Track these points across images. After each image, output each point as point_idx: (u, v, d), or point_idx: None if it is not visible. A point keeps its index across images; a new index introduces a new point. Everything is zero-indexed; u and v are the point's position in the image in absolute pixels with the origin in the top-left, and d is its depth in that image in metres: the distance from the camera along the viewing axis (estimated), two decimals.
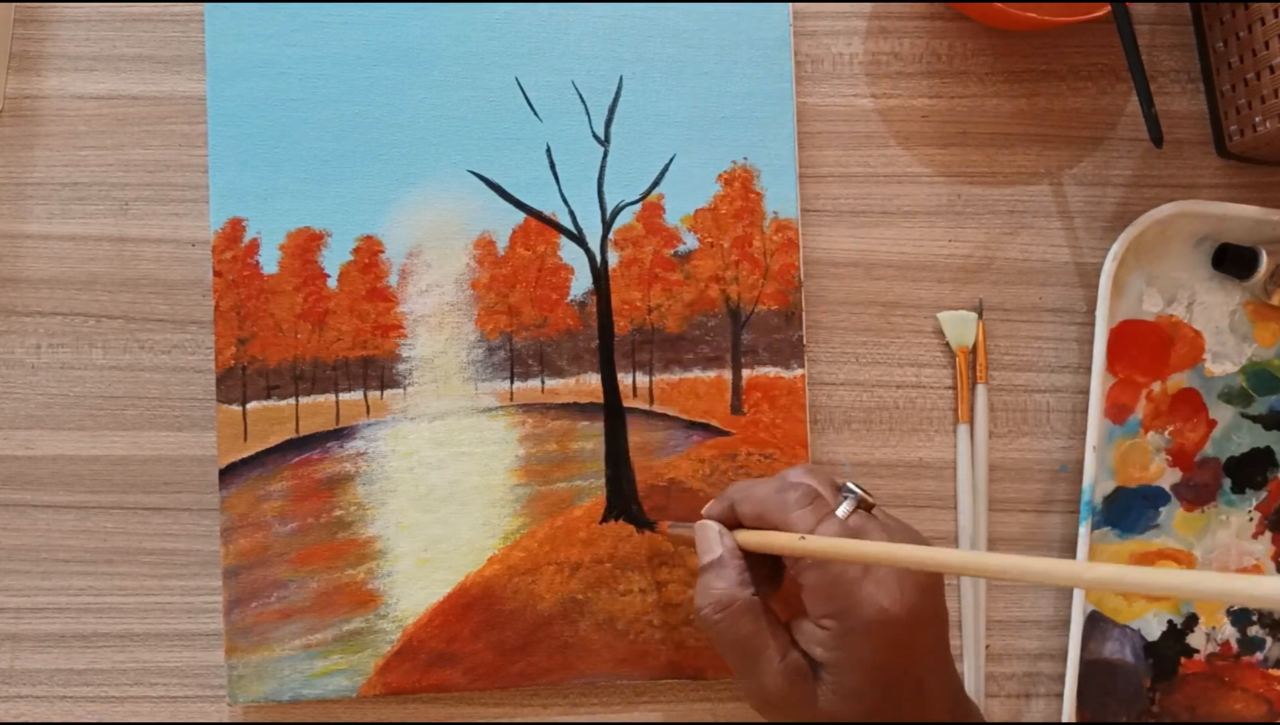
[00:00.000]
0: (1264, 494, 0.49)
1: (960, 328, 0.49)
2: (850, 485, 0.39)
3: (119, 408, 0.48)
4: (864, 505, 0.39)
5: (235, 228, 0.47)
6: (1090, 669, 0.48)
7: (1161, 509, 0.49)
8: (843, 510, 0.38)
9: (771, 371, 0.48)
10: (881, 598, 0.36)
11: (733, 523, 0.41)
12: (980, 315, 0.49)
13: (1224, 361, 0.49)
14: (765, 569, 0.40)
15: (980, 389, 0.49)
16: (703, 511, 0.42)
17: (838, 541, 0.36)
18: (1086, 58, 0.50)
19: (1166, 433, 0.49)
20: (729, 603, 0.39)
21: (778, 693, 0.38)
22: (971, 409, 0.49)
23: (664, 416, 0.48)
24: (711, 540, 0.40)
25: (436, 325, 0.47)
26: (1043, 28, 0.48)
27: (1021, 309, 0.50)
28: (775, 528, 0.38)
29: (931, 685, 0.38)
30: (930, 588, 0.38)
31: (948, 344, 0.49)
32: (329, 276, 0.47)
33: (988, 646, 0.48)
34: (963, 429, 0.49)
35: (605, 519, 0.47)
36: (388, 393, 0.47)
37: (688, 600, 0.47)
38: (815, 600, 0.37)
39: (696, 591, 0.40)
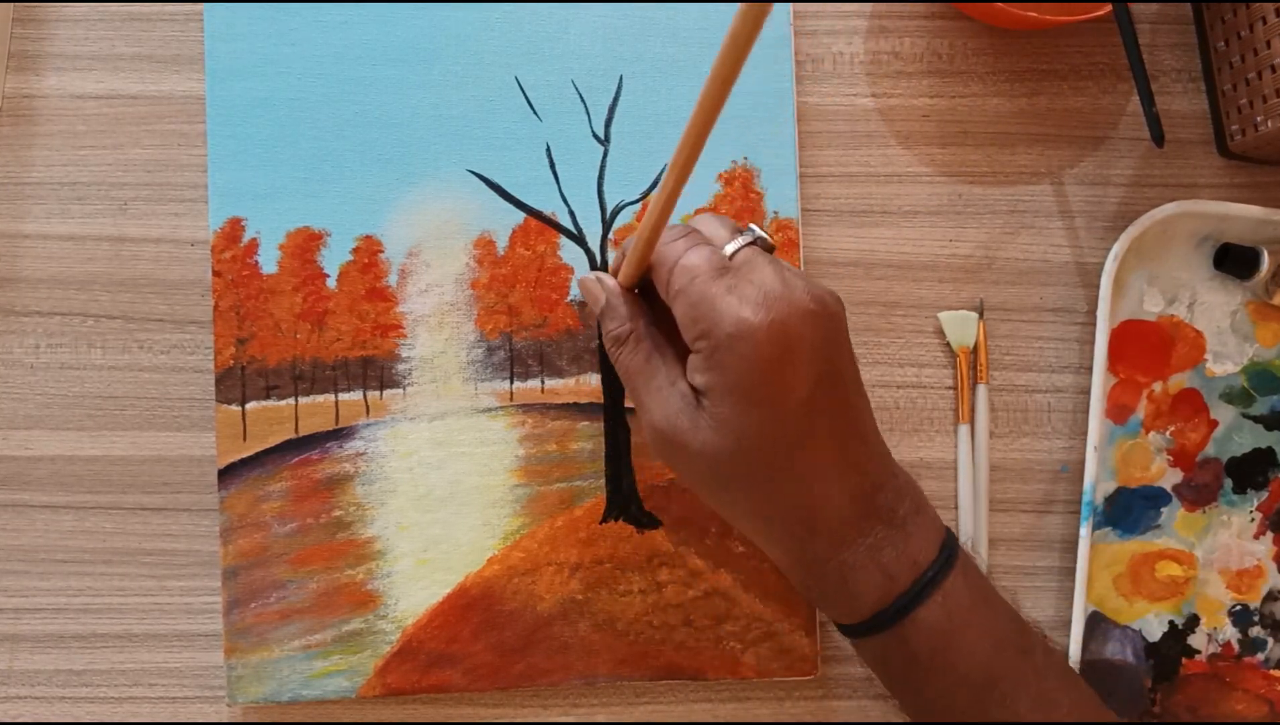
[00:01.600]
0: (1265, 494, 0.49)
1: (961, 328, 0.49)
2: (751, 226, 0.38)
3: (118, 408, 0.48)
4: (762, 246, 0.37)
5: (234, 227, 0.47)
6: (1091, 669, 0.48)
7: (1163, 509, 0.49)
8: (732, 245, 0.37)
9: None
10: (743, 309, 0.34)
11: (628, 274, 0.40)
12: (981, 315, 0.49)
13: (1225, 362, 0.49)
14: (661, 310, 0.39)
15: (981, 389, 0.49)
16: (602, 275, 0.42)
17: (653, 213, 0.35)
18: (1087, 57, 0.50)
19: (1168, 433, 0.49)
20: (622, 337, 0.39)
21: (665, 422, 0.37)
22: (972, 409, 0.49)
23: None
24: (593, 288, 0.41)
25: (436, 325, 0.47)
26: (1044, 27, 0.48)
27: (1022, 309, 0.49)
28: (656, 271, 0.38)
29: (825, 437, 0.36)
30: (806, 318, 0.35)
31: (948, 344, 0.49)
32: (328, 276, 0.47)
33: None
34: (963, 429, 0.49)
35: (605, 519, 0.47)
36: (387, 393, 0.47)
37: (688, 601, 0.47)
38: (686, 325, 0.36)
39: (602, 342, 0.40)
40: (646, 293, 0.41)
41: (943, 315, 0.49)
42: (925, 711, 0.39)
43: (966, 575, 0.38)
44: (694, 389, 0.37)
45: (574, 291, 0.48)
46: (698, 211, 0.48)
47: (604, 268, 0.48)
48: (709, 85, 0.32)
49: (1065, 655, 0.47)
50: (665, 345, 0.39)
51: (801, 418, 0.36)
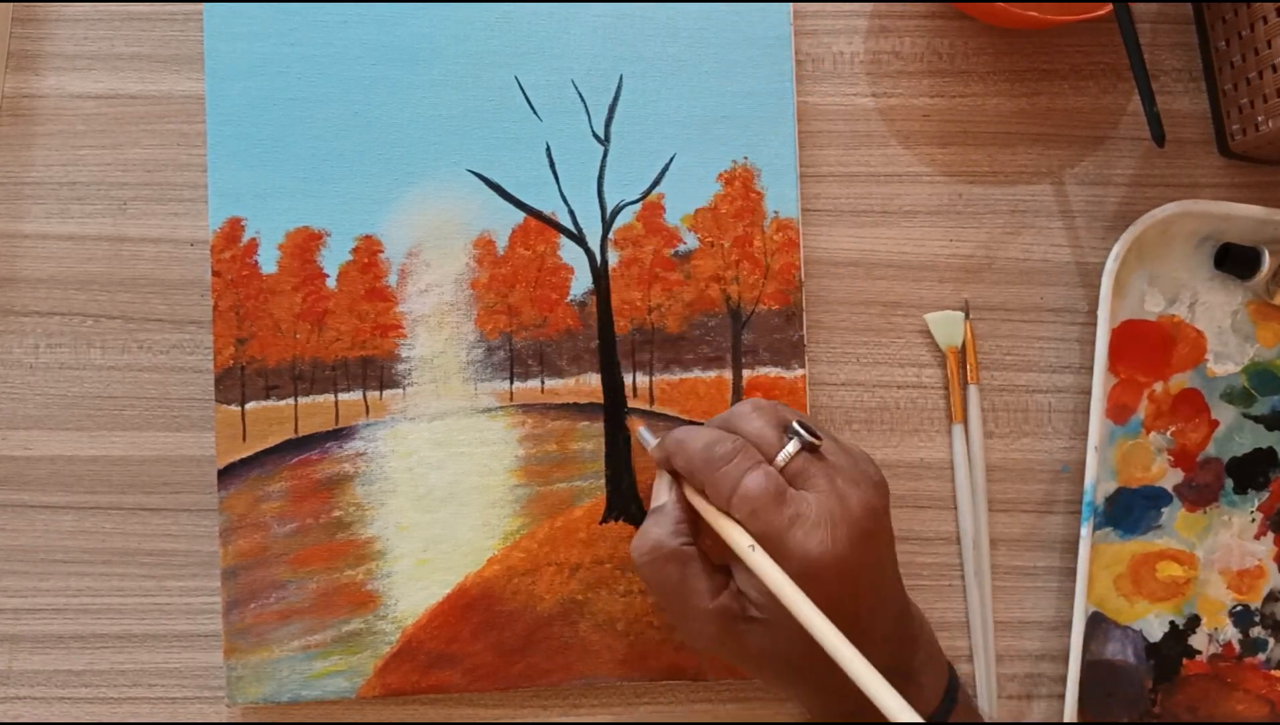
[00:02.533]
0: (1266, 494, 0.49)
1: (948, 328, 0.49)
2: (795, 425, 0.38)
3: (117, 408, 0.48)
4: (808, 447, 0.38)
5: (234, 227, 0.47)
6: (1092, 670, 0.48)
7: (1163, 509, 0.49)
8: (783, 456, 0.38)
9: (772, 372, 0.47)
10: (810, 545, 0.36)
11: (670, 466, 0.41)
12: (967, 315, 0.49)
13: (1226, 362, 0.49)
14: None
15: (973, 390, 0.49)
16: (650, 449, 0.42)
17: (770, 573, 0.36)
18: (1088, 57, 0.50)
19: (1168, 433, 0.49)
20: (656, 550, 0.39)
21: (707, 635, 0.39)
22: (965, 409, 0.49)
23: (664, 417, 0.47)
24: (661, 489, 0.41)
25: (436, 325, 0.47)
26: (1044, 26, 0.48)
27: (1023, 309, 0.49)
28: (703, 487, 0.38)
29: (873, 632, 0.38)
30: (862, 538, 0.37)
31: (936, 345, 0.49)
32: (328, 276, 0.47)
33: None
34: (957, 429, 0.49)
35: (605, 519, 0.47)
36: (387, 393, 0.47)
37: None
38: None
39: (636, 540, 0.40)
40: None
41: (929, 316, 0.49)
42: None
43: (966, 714, 0.40)
44: (742, 599, 0.38)
45: (574, 291, 0.48)
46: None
47: (605, 267, 0.48)
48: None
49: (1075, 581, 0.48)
50: (707, 561, 0.39)
51: (854, 614, 0.37)
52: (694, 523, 0.40)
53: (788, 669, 0.39)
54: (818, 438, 0.39)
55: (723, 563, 0.40)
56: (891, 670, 0.38)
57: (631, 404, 0.47)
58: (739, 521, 0.37)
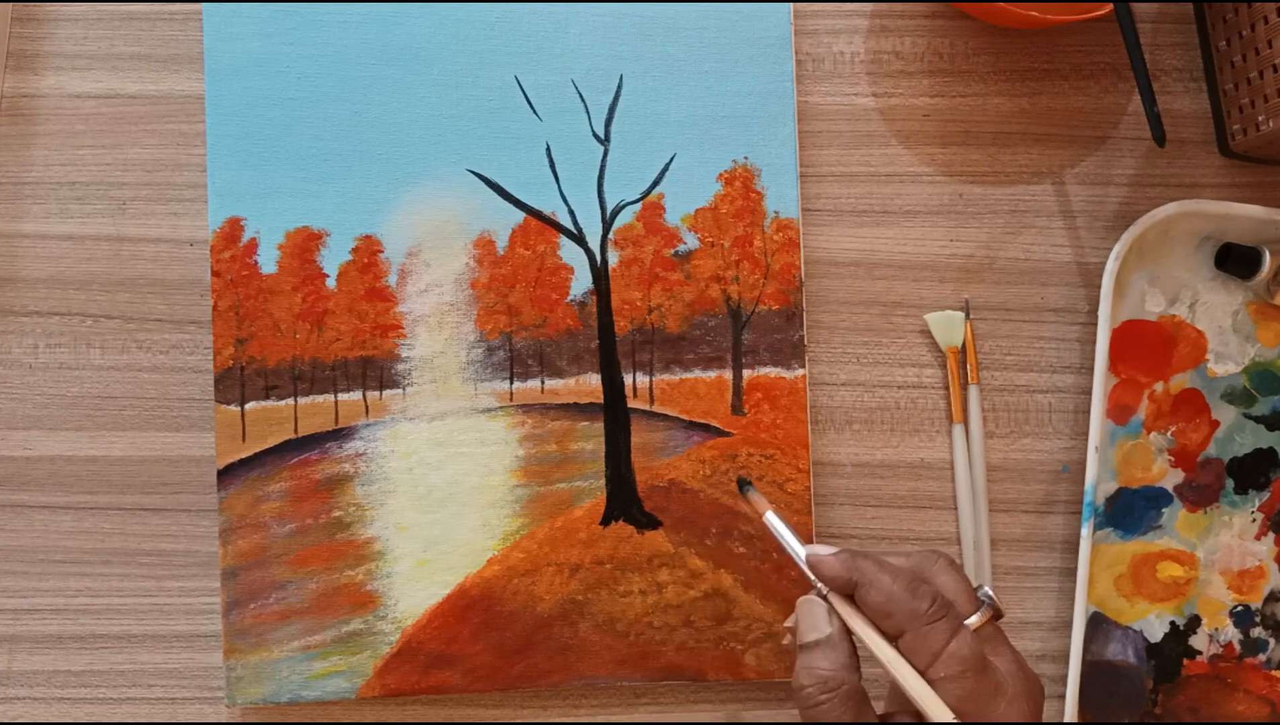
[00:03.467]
0: (1267, 495, 0.49)
1: (947, 328, 0.49)
2: (987, 590, 0.38)
3: (117, 408, 0.48)
4: (996, 615, 0.38)
5: (233, 227, 0.47)
6: (1093, 670, 0.48)
7: (1164, 510, 0.49)
8: (974, 620, 0.37)
9: (772, 371, 0.47)
10: (1012, 716, 0.36)
11: (847, 590, 0.38)
12: (968, 315, 0.49)
13: (1227, 362, 0.49)
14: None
15: (973, 390, 0.49)
16: (812, 564, 0.39)
17: None
18: (1088, 56, 0.50)
19: (1169, 433, 0.49)
20: (836, 686, 0.37)
21: None
22: (965, 410, 0.49)
23: (664, 417, 0.47)
24: (819, 618, 0.38)
25: (436, 325, 0.47)
26: (1045, 26, 0.48)
27: (1023, 309, 0.49)
28: (900, 630, 0.37)
29: None
30: (1041, 703, 0.37)
31: (937, 345, 0.49)
32: (328, 276, 0.47)
33: None
34: (957, 429, 0.49)
35: (605, 520, 0.47)
36: (387, 393, 0.47)
37: (689, 602, 0.47)
38: (958, 711, 0.36)
39: (797, 669, 0.38)
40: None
41: (929, 316, 0.49)
42: None
43: None
44: None
45: (574, 291, 0.48)
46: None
47: (605, 267, 0.48)
48: None
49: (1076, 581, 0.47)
50: (869, 704, 0.38)
51: None
52: (858, 664, 0.38)
53: None
54: (1003, 610, 0.38)
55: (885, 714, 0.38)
56: None
57: (632, 404, 0.47)
58: (944, 681, 0.36)
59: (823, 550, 0.40)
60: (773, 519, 0.41)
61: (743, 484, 0.44)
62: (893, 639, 0.37)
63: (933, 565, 0.39)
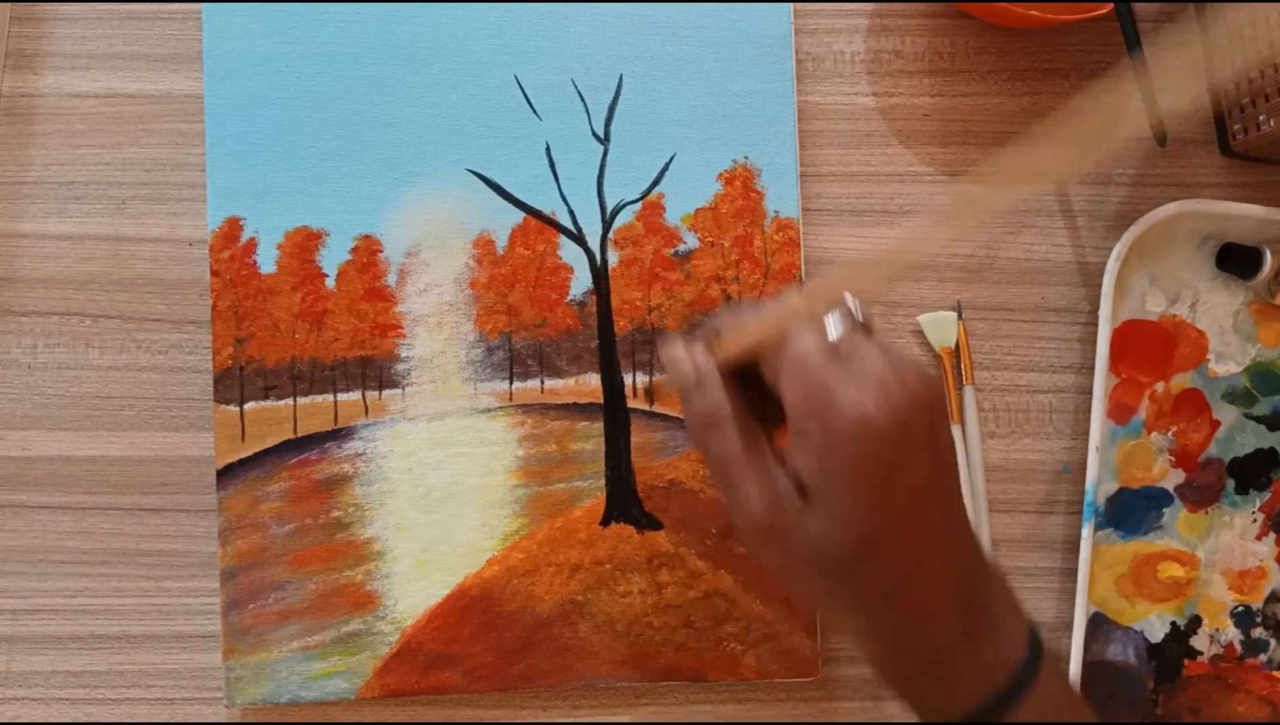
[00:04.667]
0: (1267, 495, 0.49)
1: (940, 329, 0.49)
2: (849, 300, 0.36)
3: (116, 408, 0.48)
4: (861, 325, 0.36)
5: (233, 227, 0.47)
6: (1093, 671, 0.48)
7: (1165, 510, 0.48)
8: (833, 330, 0.35)
9: None
10: (864, 403, 0.33)
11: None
12: (960, 316, 0.49)
13: (1228, 362, 0.49)
14: (754, 395, 0.37)
15: (969, 391, 0.49)
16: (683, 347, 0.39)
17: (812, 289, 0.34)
18: (1089, 56, 0.50)
19: (1170, 433, 0.49)
20: (714, 416, 0.36)
21: (765, 515, 0.35)
22: (961, 410, 0.49)
23: (664, 417, 0.47)
24: (680, 361, 0.38)
25: (435, 325, 0.47)
26: (1045, 25, 0.48)
27: (1024, 309, 0.49)
28: (754, 353, 0.36)
29: (928, 519, 0.35)
30: (922, 414, 0.34)
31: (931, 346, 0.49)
32: (327, 276, 0.47)
33: None
34: (955, 430, 0.48)
35: (605, 520, 0.47)
36: (386, 393, 0.47)
37: (689, 602, 0.47)
38: (798, 410, 0.34)
39: (685, 420, 0.37)
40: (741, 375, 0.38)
41: (922, 317, 0.49)
42: None
43: (1056, 672, 0.37)
44: (796, 477, 0.35)
45: (574, 291, 0.47)
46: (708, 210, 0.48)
47: (605, 267, 0.48)
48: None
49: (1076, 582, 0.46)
50: (760, 432, 0.37)
51: (909, 506, 0.35)
52: (741, 397, 0.37)
53: (835, 557, 0.35)
54: (871, 323, 0.36)
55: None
56: (969, 601, 0.36)
57: (631, 404, 0.47)
58: (785, 390, 0.35)
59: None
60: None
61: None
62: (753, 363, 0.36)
63: (789, 295, 0.38)
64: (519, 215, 0.48)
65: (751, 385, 0.37)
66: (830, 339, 0.35)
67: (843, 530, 0.34)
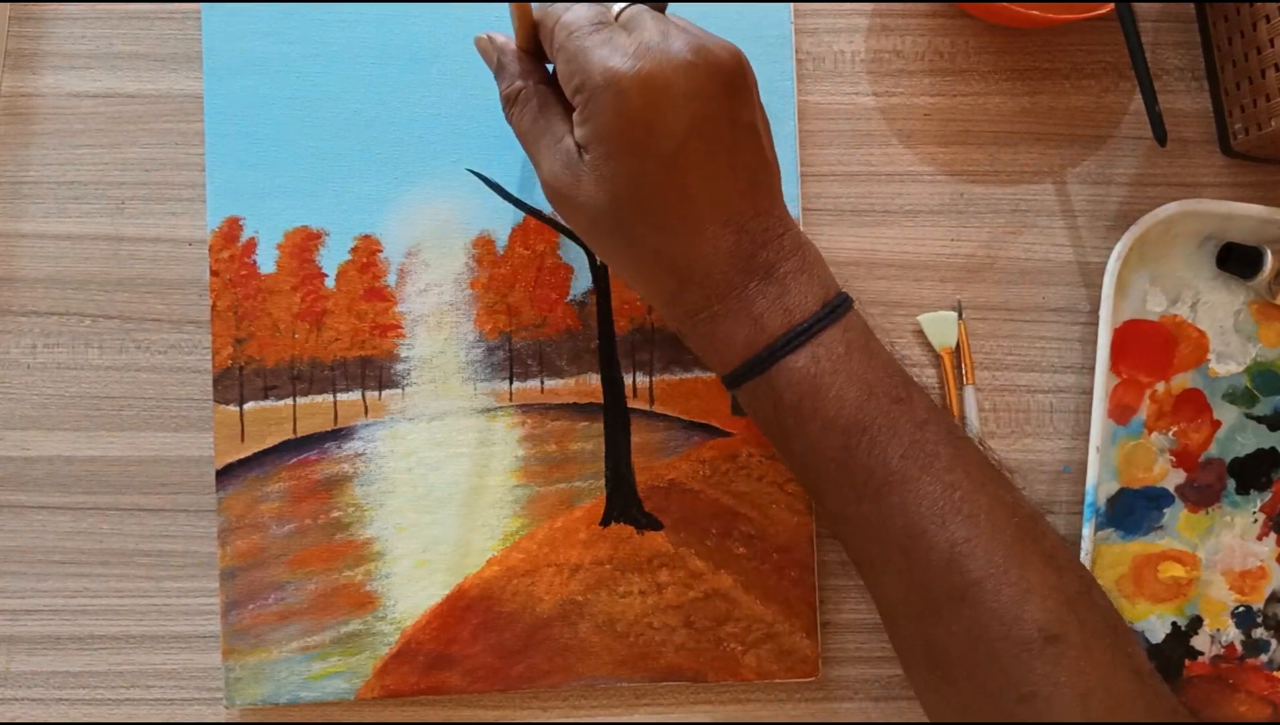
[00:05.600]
0: (1268, 495, 0.49)
1: (941, 329, 0.49)
2: None
3: (115, 408, 0.48)
4: (653, 5, 0.38)
5: (232, 227, 0.47)
6: None
7: (1165, 510, 0.48)
8: (619, 5, 0.37)
9: None
10: (612, 59, 0.35)
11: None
12: (960, 316, 0.49)
13: (1228, 362, 0.49)
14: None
15: (969, 391, 0.49)
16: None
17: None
18: (1090, 55, 0.50)
19: (1170, 433, 0.49)
20: (514, 94, 0.40)
21: (553, 176, 0.38)
22: (961, 411, 0.49)
23: (664, 417, 0.47)
24: (485, 48, 0.41)
25: (435, 325, 0.47)
26: (1046, 25, 0.48)
27: (1024, 309, 0.49)
28: (540, 28, 0.39)
29: (709, 199, 0.37)
30: (680, 73, 0.36)
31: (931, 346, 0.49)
32: (327, 276, 0.47)
33: None
34: None
35: (605, 520, 0.47)
36: (386, 393, 0.47)
37: (689, 603, 0.46)
38: (565, 79, 0.37)
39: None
40: (542, 55, 0.41)
41: (922, 317, 0.49)
42: (799, 463, 0.40)
43: (850, 331, 0.39)
44: (577, 143, 0.38)
45: (573, 291, 0.47)
46: None
47: (604, 267, 0.47)
48: None
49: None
50: (555, 103, 0.39)
51: (672, 169, 0.36)
52: (541, 69, 0.40)
53: (608, 218, 0.37)
54: (661, 4, 0.38)
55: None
56: (748, 263, 0.38)
57: (631, 404, 0.47)
58: (557, 49, 0.37)
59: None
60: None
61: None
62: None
63: None
64: (519, 215, 0.47)
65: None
66: (612, 11, 0.37)
67: (605, 188, 0.37)
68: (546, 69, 0.40)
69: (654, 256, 0.38)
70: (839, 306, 0.39)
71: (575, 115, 0.37)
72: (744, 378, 0.39)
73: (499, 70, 0.41)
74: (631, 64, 0.35)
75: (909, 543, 0.37)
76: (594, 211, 0.37)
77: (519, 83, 0.40)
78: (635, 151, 0.36)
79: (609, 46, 0.36)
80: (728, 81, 0.37)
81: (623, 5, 0.38)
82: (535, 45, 0.40)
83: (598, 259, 0.48)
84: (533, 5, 0.39)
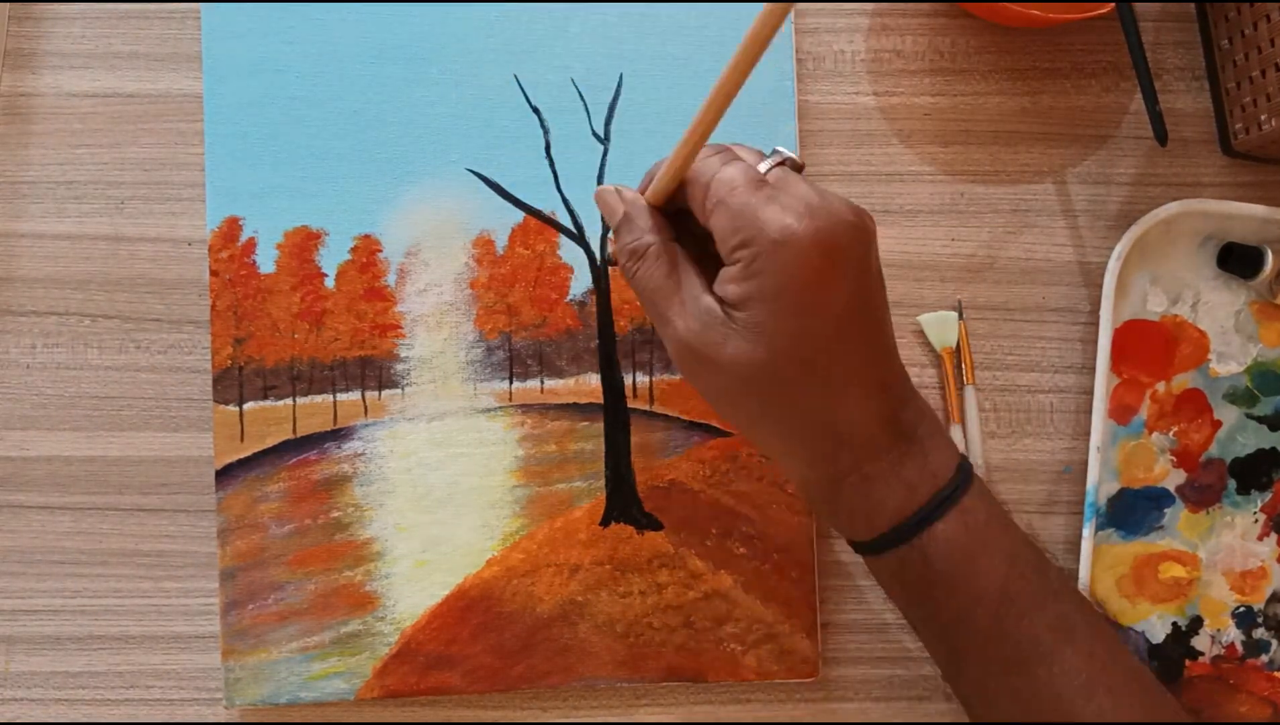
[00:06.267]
0: (1269, 495, 0.49)
1: (941, 329, 0.49)
2: (779, 148, 0.38)
3: (115, 408, 0.48)
4: (792, 165, 0.38)
5: (232, 226, 0.47)
6: None
7: (1166, 510, 0.48)
8: (764, 165, 0.37)
9: None
10: (787, 217, 0.35)
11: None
12: (961, 316, 0.49)
13: (1229, 362, 0.49)
14: (684, 228, 0.39)
15: (969, 391, 0.48)
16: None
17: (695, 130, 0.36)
18: (1090, 55, 0.50)
19: (1171, 433, 0.49)
20: (641, 250, 0.38)
21: (692, 334, 0.37)
22: (962, 410, 0.49)
23: (664, 417, 0.47)
24: (610, 201, 0.40)
25: (435, 325, 0.47)
26: (1046, 25, 0.48)
27: (1025, 309, 0.49)
28: (685, 191, 0.38)
29: (866, 365, 0.37)
30: (847, 233, 0.35)
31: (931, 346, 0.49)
32: (326, 276, 0.47)
33: None
34: (955, 430, 0.48)
35: (605, 521, 0.47)
36: (386, 393, 0.47)
37: (689, 603, 0.46)
38: (725, 236, 0.36)
39: (616, 260, 0.40)
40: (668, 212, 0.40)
41: (922, 317, 0.49)
42: (942, 632, 0.39)
43: (983, 496, 0.39)
44: (721, 301, 0.37)
45: (573, 291, 0.47)
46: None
47: (604, 268, 0.47)
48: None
49: (1073, 582, 0.47)
50: (688, 261, 0.38)
51: (836, 328, 0.36)
52: (669, 226, 0.39)
53: (761, 378, 0.36)
54: (801, 161, 0.38)
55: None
56: (895, 425, 0.37)
57: (631, 404, 0.47)
58: (715, 204, 0.36)
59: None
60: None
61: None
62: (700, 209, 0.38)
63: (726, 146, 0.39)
64: (519, 215, 0.47)
65: (687, 231, 0.39)
66: (760, 169, 0.37)
67: (767, 347, 0.36)
68: (670, 226, 0.39)
69: (809, 417, 0.37)
70: (967, 467, 0.39)
71: (732, 272, 0.36)
72: (892, 544, 0.38)
73: (624, 223, 0.39)
74: (807, 223, 0.35)
75: (1058, 716, 0.37)
76: (744, 371, 0.36)
77: (648, 238, 0.38)
78: (805, 309, 0.35)
79: (778, 205, 0.35)
80: (874, 243, 0.37)
81: (768, 164, 0.37)
82: (667, 201, 0.39)
83: (598, 258, 0.47)
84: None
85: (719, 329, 0.36)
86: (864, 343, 0.37)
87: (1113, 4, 0.46)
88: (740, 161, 0.37)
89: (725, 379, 0.37)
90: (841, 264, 0.35)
